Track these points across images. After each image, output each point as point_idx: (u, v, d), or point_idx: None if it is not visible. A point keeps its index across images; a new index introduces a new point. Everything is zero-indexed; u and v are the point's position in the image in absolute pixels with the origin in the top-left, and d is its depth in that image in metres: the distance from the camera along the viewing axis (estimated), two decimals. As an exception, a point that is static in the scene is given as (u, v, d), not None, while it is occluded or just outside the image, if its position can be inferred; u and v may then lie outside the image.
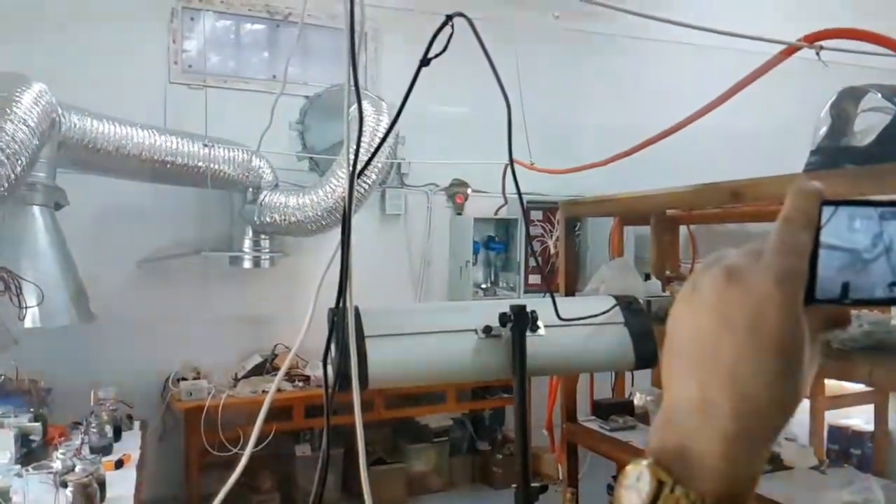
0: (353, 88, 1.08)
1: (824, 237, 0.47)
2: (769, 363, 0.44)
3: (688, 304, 0.48)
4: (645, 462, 0.46)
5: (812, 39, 1.59)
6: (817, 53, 1.57)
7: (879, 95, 1.74)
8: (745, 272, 0.46)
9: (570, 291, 2.87)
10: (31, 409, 3.04)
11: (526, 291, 5.22)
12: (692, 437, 0.46)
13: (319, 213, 4.28)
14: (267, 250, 4.59)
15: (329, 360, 1.27)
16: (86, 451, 2.71)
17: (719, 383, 0.45)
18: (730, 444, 0.45)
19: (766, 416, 0.45)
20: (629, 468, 0.47)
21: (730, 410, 0.45)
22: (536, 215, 5.41)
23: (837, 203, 0.47)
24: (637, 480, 0.46)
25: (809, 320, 0.46)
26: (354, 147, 1.03)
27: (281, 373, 1.19)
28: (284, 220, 4.32)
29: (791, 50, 1.63)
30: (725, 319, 0.46)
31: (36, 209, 3.36)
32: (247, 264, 4.58)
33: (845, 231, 0.47)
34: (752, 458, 0.45)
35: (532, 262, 5.31)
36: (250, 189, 4.36)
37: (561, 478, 3.04)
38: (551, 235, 5.31)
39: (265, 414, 1.01)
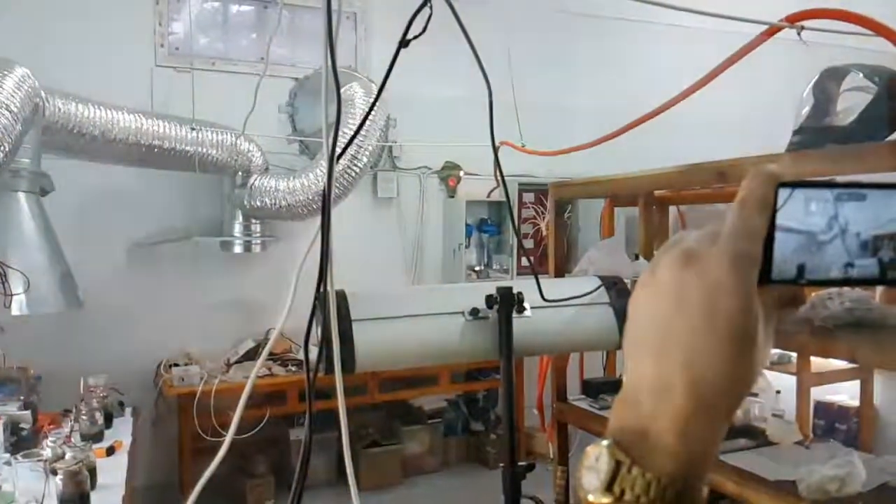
0: (336, 70, 1.07)
1: (780, 219, 0.47)
2: (723, 344, 0.45)
3: (646, 288, 0.49)
4: (604, 442, 0.47)
5: (794, 20, 1.59)
6: (798, 34, 1.57)
7: (861, 75, 1.75)
8: (700, 255, 0.47)
9: (560, 273, 2.88)
10: (21, 398, 3.03)
11: (519, 273, 5.24)
12: (649, 418, 0.46)
13: (310, 197, 4.27)
14: (258, 235, 4.58)
15: (317, 343, 1.28)
16: (76, 438, 2.71)
17: (675, 364, 0.46)
18: (685, 423, 0.45)
19: (720, 395, 0.46)
20: (589, 449, 0.48)
21: (685, 390, 0.45)
22: (529, 197, 5.41)
23: (793, 185, 0.47)
24: (596, 461, 0.47)
25: (765, 301, 0.47)
26: (334, 128, 1.03)
27: (263, 355, 1.19)
28: (275, 203, 4.31)
29: (773, 30, 1.63)
30: (681, 301, 0.46)
31: (21, 195, 3.33)
32: (237, 249, 4.57)
33: (801, 213, 0.47)
34: (707, 438, 0.46)
35: (524, 245, 5.32)
36: (240, 173, 4.35)
37: (552, 457, 3.07)
38: (543, 217, 5.32)
39: (247, 397, 1.02)
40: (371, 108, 1.30)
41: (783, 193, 0.47)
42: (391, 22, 4.55)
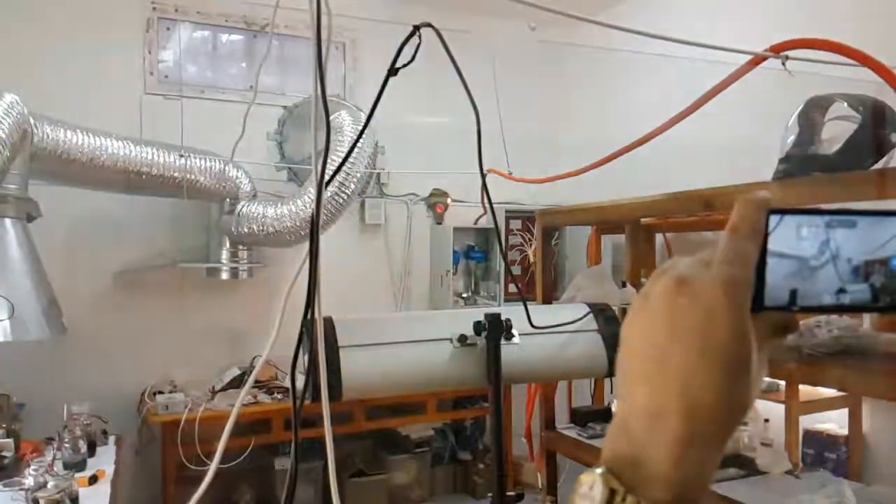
0: (326, 97, 1.08)
1: (772, 245, 0.47)
2: (717, 370, 0.45)
3: (639, 314, 0.49)
4: (598, 470, 0.47)
5: (778, 49, 1.61)
6: (783, 63, 1.59)
7: (845, 104, 1.78)
8: (693, 281, 0.47)
9: (548, 300, 2.88)
10: (3, 425, 3.00)
11: (506, 300, 5.23)
12: (643, 445, 0.46)
13: (298, 224, 4.26)
14: (245, 261, 4.55)
15: (304, 371, 1.27)
16: (59, 466, 2.67)
17: (669, 390, 0.46)
18: (680, 450, 0.45)
19: (715, 421, 0.45)
20: (583, 477, 0.47)
21: (679, 417, 0.45)
22: (516, 224, 5.42)
23: (784, 212, 0.48)
24: (590, 489, 0.46)
25: (758, 327, 0.47)
26: (323, 155, 1.03)
27: (248, 383, 1.18)
28: (262, 230, 4.30)
29: (758, 60, 1.66)
30: (675, 327, 0.46)
31: (7, 221, 3.31)
32: (224, 276, 4.54)
33: (793, 239, 0.48)
34: (702, 465, 0.46)
35: (512, 271, 5.32)
36: (227, 199, 4.33)
37: (541, 486, 3.04)
38: (530, 244, 5.33)
39: (232, 426, 1.00)
40: (360, 135, 1.31)
41: (774, 220, 0.47)
42: (379, 52, 4.58)
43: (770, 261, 0.47)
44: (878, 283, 0.48)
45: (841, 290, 0.48)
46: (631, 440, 0.47)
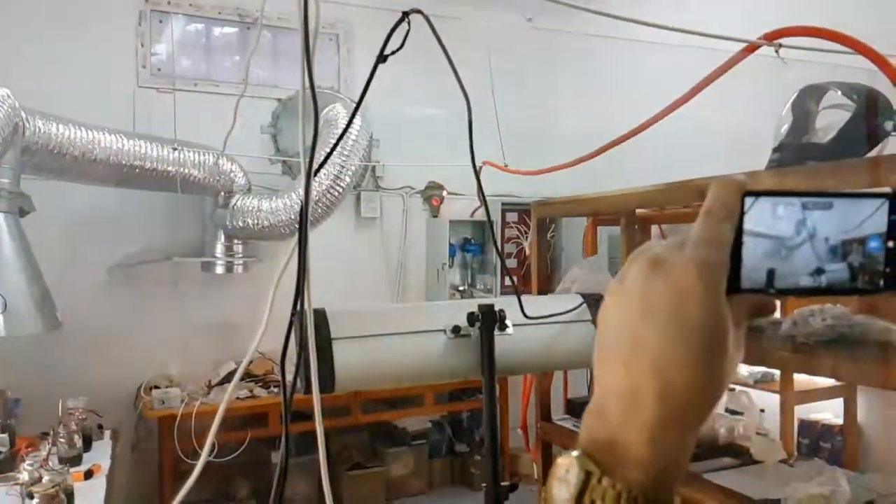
0: (314, 84, 1.07)
1: (748, 224, 0.47)
2: (692, 351, 0.44)
3: (615, 296, 0.49)
4: (574, 453, 0.47)
5: (772, 37, 1.60)
6: (776, 51, 1.58)
7: (839, 93, 1.77)
8: (667, 263, 0.46)
9: (543, 291, 2.88)
10: (-2, 420, 2.99)
11: (503, 292, 5.22)
12: (618, 427, 0.46)
13: (292, 217, 4.25)
14: (240, 255, 4.55)
15: (297, 364, 1.26)
16: (54, 461, 2.66)
17: (644, 372, 0.45)
18: (654, 432, 0.45)
19: (690, 403, 0.45)
20: (560, 460, 0.47)
21: (654, 399, 0.45)
22: (512, 217, 5.41)
23: (758, 194, 0.47)
24: (567, 472, 0.46)
25: (735, 309, 0.46)
26: (311, 146, 1.02)
27: (236, 378, 1.17)
28: (257, 224, 4.29)
29: (751, 48, 1.65)
30: (649, 309, 0.46)
31: (0, 216, 3.30)
32: (219, 270, 4.53)
33: (769, 219, 0.47)
34: (677, 447, 0.46)
35: (507, 263, 5.31)
36: (222, 193, 4.32)
37: (537, 477, 3.05)
38: (526, 237, 5.32)
39: (219, 421, 1.00)
40: (350, 120, 1.30)
41: (749, 201, 0.47)
42: (374, 43, 4.58)
43: (746, 240, 0.47)
44: (857, 263, 0.47)
45: (819, 270, 0.47)
46: (606, 423, 0.47)
